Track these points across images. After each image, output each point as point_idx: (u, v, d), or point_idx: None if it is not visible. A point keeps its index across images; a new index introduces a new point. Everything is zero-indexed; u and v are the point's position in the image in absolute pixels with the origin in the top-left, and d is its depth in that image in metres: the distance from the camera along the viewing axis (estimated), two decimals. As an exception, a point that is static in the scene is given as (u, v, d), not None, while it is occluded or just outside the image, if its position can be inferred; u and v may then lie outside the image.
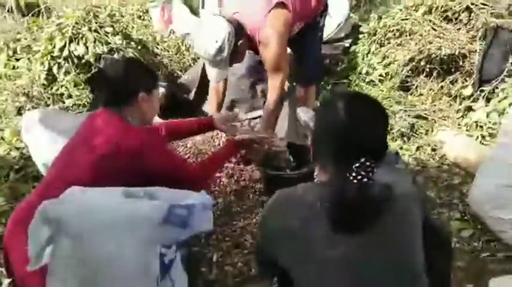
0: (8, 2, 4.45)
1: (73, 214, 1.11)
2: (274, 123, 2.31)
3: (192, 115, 2.90)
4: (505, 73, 2.83)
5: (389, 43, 3.29)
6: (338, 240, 0.91)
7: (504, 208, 1.92)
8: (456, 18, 3.21)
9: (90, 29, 2.92)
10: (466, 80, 3.05)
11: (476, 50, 3.02)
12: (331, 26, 3.34)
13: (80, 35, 2.89)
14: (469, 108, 2.91)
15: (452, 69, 3.11)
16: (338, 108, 0.97)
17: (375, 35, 3.39)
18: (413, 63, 3.11)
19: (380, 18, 3.45)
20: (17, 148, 2.31)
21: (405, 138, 2.79)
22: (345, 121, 0.96)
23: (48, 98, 2.84)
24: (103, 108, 1.44)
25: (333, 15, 3.13)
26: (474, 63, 3.00)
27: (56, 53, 2.87)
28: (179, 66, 3.39)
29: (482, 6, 3.09)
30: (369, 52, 3.39)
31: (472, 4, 3.10)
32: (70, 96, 2.84)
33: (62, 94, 2.86)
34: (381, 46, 3.35)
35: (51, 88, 2.88)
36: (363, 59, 3.40)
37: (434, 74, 3.12)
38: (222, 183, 2.19)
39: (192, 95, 3.04)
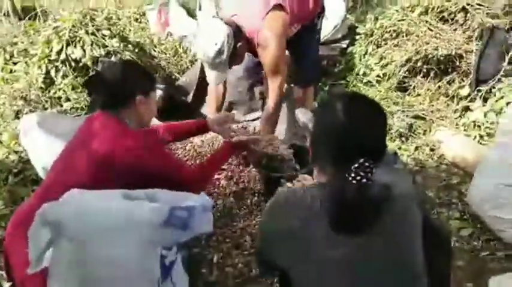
0: (4, 6, 4.45)
1: (72, 216, 1.11)
2: (274, 126, 2.32)
3: (190, 117, 2.89)
4: (501, 73, 2.85)
5: (386, 44, 3.31)
6: (338, 241, 0.90)
7: (503, 207, 1.93)
8: (452, 19, 3.23)
9: (87, 32, 2.92)
10: (463, 80, 3.07)
11: (472, 50, 3.04)
12: (327, 27, 3.35)
13: (77, 38, 2.88)
14: (467, 108, 2.93)
15: (449, 70, 3.13)
16: (336, 109, 0.97)
17: (371, 36, 3.41)
18: (411, 63, 3.13)
19: (376, 19, 3.47)
20: (16, 152, 2.30)
21: (403, 139, 2.80)
22: (343, 122, 0.96)
23: (46, 101, 2.83)
24: (100, 111, 1.43)
25: (329, 16, 3.15)
26: (471, 63, 3.02)
27: (53, 57, 2.87)
28: (177, 69, 3.39)
29: (478, 6, 3.12)
30: (366, 53, 3.40)
31: (468, 5, 3.13)
32: (68, 99, 2.84)
33: (59, 97, 2.86)
34: (377, 47, 3.36)
35: (49, 91, 2.87)
36: (360, 60, 3.41)
37: (432, 74, 3.14)
38: (221, 185, 2.19)
39: (190, 97, 3.04)
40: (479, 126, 2.77)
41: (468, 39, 3.11)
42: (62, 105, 2.82)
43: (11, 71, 3.15)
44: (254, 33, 2.07)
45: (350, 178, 0.89)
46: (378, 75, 3.24)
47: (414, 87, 3.18)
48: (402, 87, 3.21)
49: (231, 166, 2.26)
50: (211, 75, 2.19)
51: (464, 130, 2.82)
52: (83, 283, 1.08)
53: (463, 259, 1.88)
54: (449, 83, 3.11)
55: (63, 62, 2.86)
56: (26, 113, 2.67)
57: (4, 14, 4.44)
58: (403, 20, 3.30)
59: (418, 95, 3.15)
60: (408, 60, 3.13)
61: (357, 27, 3.63)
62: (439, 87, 3.11)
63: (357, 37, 3.55)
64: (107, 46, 2.92)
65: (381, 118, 1.01)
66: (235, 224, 1.97)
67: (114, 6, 4.04)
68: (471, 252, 1.93)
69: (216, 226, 1.86)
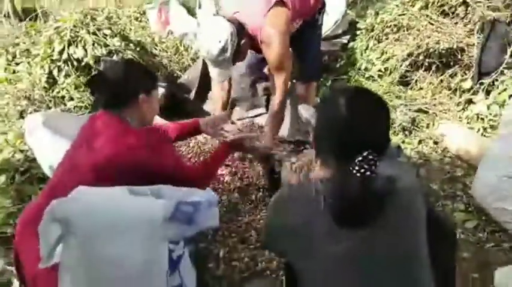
0: (4, 7, 4.47)
1: (80, 213, 1.11)
2: (280, 123, 2.31)
3: (192, 115, 2.92)
4: (503, 65, 2.84)
5: (387, 39, 3.31)
6: (341, 235, 0.90)
7: (507, 199, 1.94)
8: (453, 13, 3.23)
9: (88, 32, 2.93)
10: (466, 73, 3.07)
11: (474, 44, 3.03)
12: (328, 23, 3.34)
13: (79, 38, 2.89)
14: (470, 101, 2.93)
15: (451, 63, 3.13)
16: (339, 103, 0.97)
17: (372, 30, 3.41)
18: (412, 57, 3.13)
19: (377, 14, 3.47)
20: (21, 151, 2.31)
21: (407, 132, 2.80)
22: (346, 116, 0.96)
23: (50, 101, 2.84)
24: (103, 111, 1.44)
25: (329, 12, 3.14)
26: (472, 56, 3.02)
27: (55, 56, 2.87)
28: (178, 67, 3.40)
29: (478, 0, 3.10)
30: (367, 48, 3.40)
31: (469, -2, 3.12)
32: (71, 98, 2.85)
33: (63, 97, 2.87)
34: (379, 42, 3.36)
35: (52, 91, 2.88)
36: (361, 55, 3.41)
37: (433, 68, 3.14)
38: (225, 180, 2.20)
39: (192, 95, 3.05)
40: (482, 119, 2.77)
41: (469, 33, 3.11)
42: (65, 105, 2.83)
43: (14, 72, 3.17)
44: (257, 31, 2.06)
45: (354, 171, 0.88)
46: (380, 70, 3.24)
47: (416, 81, 3.18)
48: (404, 82, 3.21)
49: (235, 161, 2.27)
50: (215, 73, 2.19)
51: (468, 123, 2.83)
52: (93, 278, 1.09)
53: (469, 250, 1.88)
54: (451, 76, 3.11)
55: (65, 61, 2.87)
56: (30, 113, 2.68)
57: (4, 16, 4.45)
58: (403, 14, 3.30)
59: (421, 88, 3.15)
60: (410, 54, 3.13)
61: (357, 22, 3.63)
62: (441, 80, 3.12)
63: (358, 32, 3.55)
64: (108, 45, 2.93)
65: (383, 111, 1.00)
66: (240, 219, 1.99)
67: (114, 6, 4.06)
68: (477, 244, 1.93)
69: (221, 221, 1.86)
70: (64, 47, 2.86)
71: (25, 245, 1.28)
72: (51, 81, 2.91)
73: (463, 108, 2.93)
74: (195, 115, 2.89)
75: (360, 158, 0.88)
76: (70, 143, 1.48)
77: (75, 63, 2.88)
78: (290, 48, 2.33)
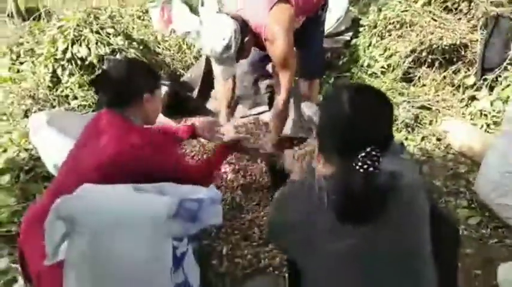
0: (8, 7, 4.49)
1: (85, 210, 1.12)
2: (284, 121, 2.31)
3: (195, 113, 2.93)
4: (507, 61, 2.83)
5: (390, 35, 3.30)
6: (344, 232, 0.91)
7: (510, 195, 1.93)
8: (456, 8, 3.22)
9: (91, 31, 2.94)
10: (469, 70, 3.06)
11: (477, 40, 3.02)
12: (331, 20, 3.34)
13: (82, 37, 2.90)
14: (473, 97, 2.92)
15: (454, 59, 3.12)
16: (342, 99, 0.97)
17: (375, 27, 3.40)
18: (415, 54, 3.12)
19: (380, 10, 3.46)
20: (26, 149, 2.32)
21: (410, 129, 2.80)
22: (349, 112, 0.96)
23: (54, 99, 2.86)
24: (106, 109, 1.45)
25: (332, 9, 3.14)
26: (476, 52, 3.00)
27: (59, 56, 2.89)
28: (181, 65, 3.41)
29: (481, -5, 3.09)
30: (370, 45, 3.39)
31: (472, -7, 3.11)
32: (75, 97, 2.87)
33: (67, 96, 2.89)
34: (381, 38, 3.35)
35: (56, 90, 2.90)
36: (364, 51, 3.40)
37: (437, 64, 3.13)
38: (228, 178, 2.21)
39: (195, 93, 3.06)
40: (485, 115, 2.77)
41: (473, 29, 3.09)
42: (69, 103, 2.85)
43: (18, 71, 3.18)
44: (261, 28, 2.06)
45: (357, 167, 0.88)
46: (383, 67, 3.24)
47: (419, 77, 3.17)
48: (407, 78, 3.21)
49: (238, 159, 2.28)
50: (219, 71, 2.19)
51: (471, 119, 2.82)
52: (97, 275, 1.10)
53: (472, 247, 1.88)
54: (454, 72, 3.10)
55: (69, 60, 2.89)
56: (35, 112, 2.70)
57: (8, 16, 4.47)
58: (406, 10, 3.29)
59: (424, 85, 3.15)
60: (413, 51, 3.12)
61: (360, 19, 3.61)
62: (445, 77, 3.11)
63: (361, 29, 3.54)
64: (111, 44, 2.94)
65: (387, 108, 1.00)
66: (243, 217, 1.99)
67: (117, 5, 4.06)
68: (479, 240, 1.93)
69: (225, 219, 1.88)
70: (68, 46, 2.87)
71: (30, 244, 1.30)
72: (55, 80, 2.93)
73: (466, 105, 2.93)
74: (197, 114, 2.92)
75: (363, 154, 0.88)
76: (74, 141, 1.49)
77: (78, 62, 2.89)
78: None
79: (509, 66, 2.83)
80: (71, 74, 2.89)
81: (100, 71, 2.81)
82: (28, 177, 2.15)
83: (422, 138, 2.73)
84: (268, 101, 2.93)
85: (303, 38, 2.32)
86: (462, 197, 2.20)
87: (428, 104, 2.96)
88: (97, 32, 2.96)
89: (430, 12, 3.21)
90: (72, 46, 2.88)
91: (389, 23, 3.31)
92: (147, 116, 1.48)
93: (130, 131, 1.39)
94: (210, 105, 3.07)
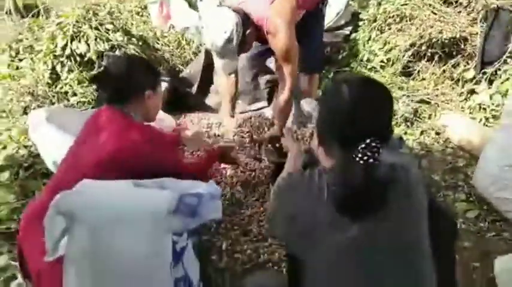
0: (6, 4, 4.47)
1: (85, 205, 1.13)
2: (287, 117, 2.30)
3: (195, 109, 2.93)
4: (507, 54, 2.82)
5: (389, 29, 3.29)
6: (344, 224, 0.91)
7: (509, 189, 1.94)
8: (456, 1, 3.20)
9: (90, 27, 2.93)
10: (468, 63, 3.05)
11: (477, 33, 3.01)
12: (330, 14, 3.33)
13: (81, 33, 2.89)
14: (472, 91, 2.92)
15: (454, 53, 3.11)
16: (342, 91, 0.97)
17: (375, 21, 3.39)
18: (415, 48, 3.11)
19: (379, 4, 3.44)
20: (25, 146, 2.32)
21: (409, 123, 2.80)
22: (349, 105, 0.96)
23: (53, 96, 2.85)
24: (106, 106, 1.45)
25: (332, 3, 3.12)
26: (475, 45, 2.99)
27: (58, 52, 2.88)
28: (180, 61, 3.40)
29: (481, -12, 3.08)
30: (369, 39, 3.38)
31: (472, -14, 3.09)
32: (75, 94, 2.86)
33: (66, 92, 2.88)
34: (381, 32, 3.34)
35: (56, 87, 2.89)
36: (363, 46, 3.39)
37: (436, 58, 3.12)
38: (228, 174, 2.22)
39: (194, 89, 3.05)
40: (484, 109, 2.76)
41: (472, 22, 3.08)
42: (68, 100, 2.84)
43: (17, 68, 3.18)
44: (262, 21, 2.04)
45: (357, 159, 0.88)
46: (382, 61, 3.23)
47: (419, 71, 3.16)
48: (407, 72, 3.20)
49: (239, 155, 2.28)
50: (221, 65, 2.18)
51: (470, 113, 2.82)
52: (97, 270, 1.11)
53: (470, 240, 1.89)
54: (454, 66, 3.09)
55: (68, 57, 2.88)
56: (34, 109, 2.70)
57: (6, 13, 4.46)
58: (406, 4, 3.27)
59: (423, 79, 3.14)
60: (412, 44, 3.11)
61: (359, 13, 3.60)
62: (444, 71, 3.10)
63: (360, 23, 3.52)
64: (110, 40, 2.93)
65: (386, 100, 1.00)
66: (243, 212, 2.00)
67: (116, 1, 4.04)
68: (477, 233, 1.94)
69: (224, 214, 1.89)
70: (67, 43, 2.86)
71: (29, 241, 1.30)
72: (55, 77, 2.92)
73: (465, 99, 2.92)
74: (197, 109, 2.92)
75: (363, 146, 0.88)
76: (74, 138, 1.49)
77: (78, 58, 2.88)
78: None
79: (508, 60, 2.82)
80: (70, 71, 2.89)
81: (100, 67, 2.81)
82: (27, 174, 2.16)
83: (422, 133, 2.73)
84: (268, 96, 2.93)
85: (302, 32, 2.32)
86: (460, 190, 2.21)
87: (428, 98, 2.96)
88: (96, 28, 2.95)
89: (429, 5, 3.20)
90: (71, 42, 2.87)
91: (389, 17, 3.30)
92: (148, 112, 1.49)
93: (131, 127, 1.39)
94: (210, 100, 3.07)
